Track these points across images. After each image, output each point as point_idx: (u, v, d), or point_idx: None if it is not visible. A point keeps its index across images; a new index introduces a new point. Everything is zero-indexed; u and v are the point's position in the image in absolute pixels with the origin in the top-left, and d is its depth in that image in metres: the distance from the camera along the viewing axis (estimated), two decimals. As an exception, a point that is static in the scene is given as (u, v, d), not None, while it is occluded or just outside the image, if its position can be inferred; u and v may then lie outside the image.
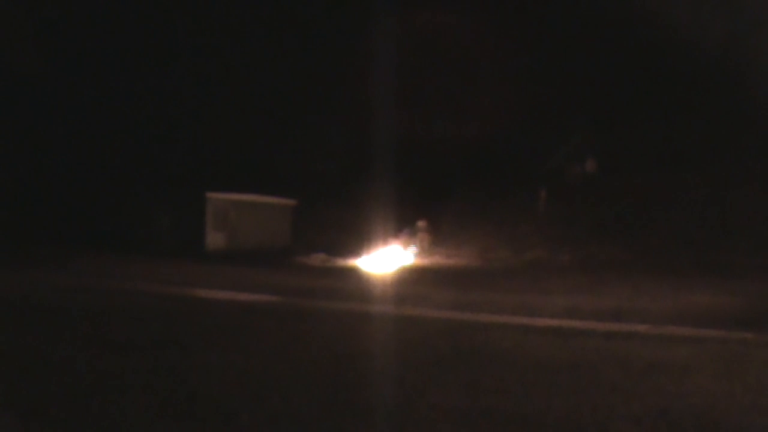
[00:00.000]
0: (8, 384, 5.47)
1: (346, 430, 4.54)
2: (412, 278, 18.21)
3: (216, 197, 24.91)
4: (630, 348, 7.61)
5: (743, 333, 8.74)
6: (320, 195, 25.47)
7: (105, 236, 24.66)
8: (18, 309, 9.80)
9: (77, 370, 5.95)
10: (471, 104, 26.22)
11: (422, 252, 24.35)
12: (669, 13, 22.54)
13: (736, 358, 7.03)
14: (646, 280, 15.54)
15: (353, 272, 20.38)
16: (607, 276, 16.65)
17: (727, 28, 23.48)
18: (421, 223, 24.72)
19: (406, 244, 24.39)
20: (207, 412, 4.81)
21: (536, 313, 10.78)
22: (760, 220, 19.90)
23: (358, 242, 23.74)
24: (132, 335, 7.83)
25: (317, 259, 23.25)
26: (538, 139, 26.63)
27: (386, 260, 22.67)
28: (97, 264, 18.63)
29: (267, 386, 5.53)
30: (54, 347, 6.94)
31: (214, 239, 24.67)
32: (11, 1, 29.11)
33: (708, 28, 22.92)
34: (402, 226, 24.75)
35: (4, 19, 27.23)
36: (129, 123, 29.37)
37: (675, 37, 23.45)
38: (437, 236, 24.76)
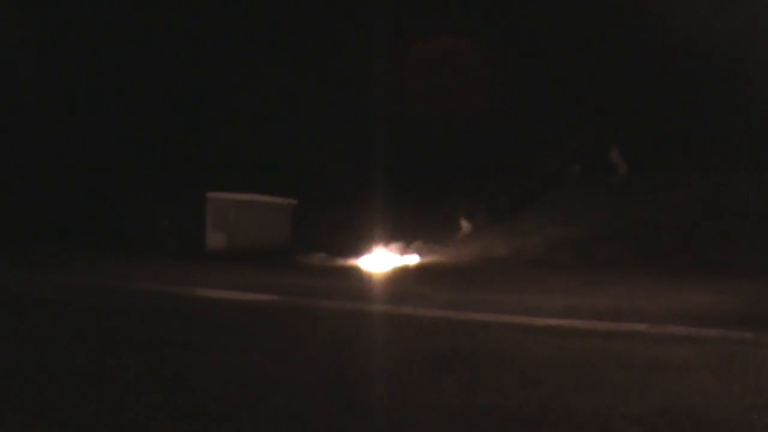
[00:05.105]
0: (8, 383, 5.47)
1: (346, 429, 4.54)
2: (412, 278, 18.21)
3: (216, 197, 24.92)
4: (630, 347, 7.61)
5: (743, 333, 8.73)
6: (320, 195, 25.46)
7: (105, 236, 24.71)
8: (18, 308, 9.82)
9: (77, 369, 5.95)
10: (474, 103, 26.21)
11: (462, 239, 23.84)
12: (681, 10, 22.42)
13: (736, 357, 7.03)
14: (646, 280, 15.52)
15: (353, 272, 20.38)
16: (606, 275, 16.63)
17: (732, 26, 23.40)
18: (464, 205, 24.15)
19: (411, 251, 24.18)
20: (207, 411, 4.81)
21: (536, 313, 10.77)
22: (760, 219, 19.89)
23: (358, 242, 23.73)
24: (132, 334, 7.84)
25: (317, 258, 23.24)
26: (539, 139, 26.62)
27: (386, 260, 22.67)
28: (97, 264, 18.63)
29: (267, 385, 5.53)
30: (54, 346, 6.95)
31: (214, 239, 24.68)
32: (11, 1, 29.13)
33: (712, 27, 22.86)
34: (403, 227, 24.72)
35: (4, 18, 27.25)
36: (129, 123, 29.39)
37: (676, 36, 23.43)
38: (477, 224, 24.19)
